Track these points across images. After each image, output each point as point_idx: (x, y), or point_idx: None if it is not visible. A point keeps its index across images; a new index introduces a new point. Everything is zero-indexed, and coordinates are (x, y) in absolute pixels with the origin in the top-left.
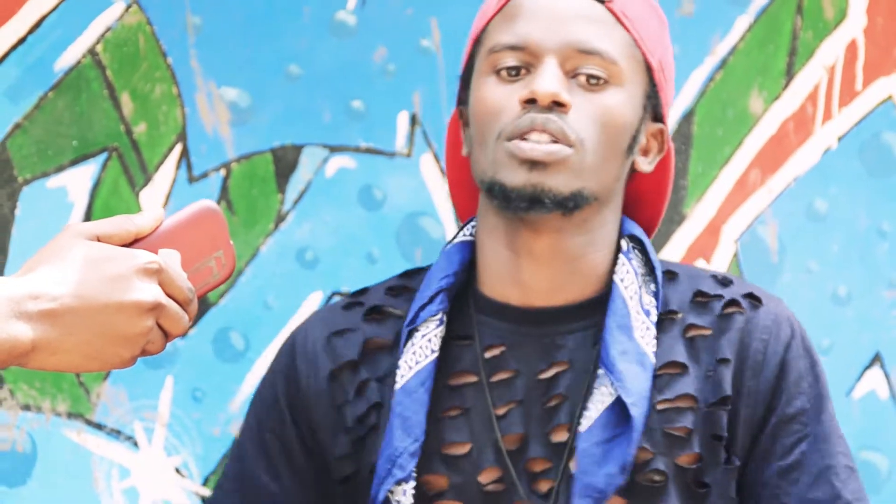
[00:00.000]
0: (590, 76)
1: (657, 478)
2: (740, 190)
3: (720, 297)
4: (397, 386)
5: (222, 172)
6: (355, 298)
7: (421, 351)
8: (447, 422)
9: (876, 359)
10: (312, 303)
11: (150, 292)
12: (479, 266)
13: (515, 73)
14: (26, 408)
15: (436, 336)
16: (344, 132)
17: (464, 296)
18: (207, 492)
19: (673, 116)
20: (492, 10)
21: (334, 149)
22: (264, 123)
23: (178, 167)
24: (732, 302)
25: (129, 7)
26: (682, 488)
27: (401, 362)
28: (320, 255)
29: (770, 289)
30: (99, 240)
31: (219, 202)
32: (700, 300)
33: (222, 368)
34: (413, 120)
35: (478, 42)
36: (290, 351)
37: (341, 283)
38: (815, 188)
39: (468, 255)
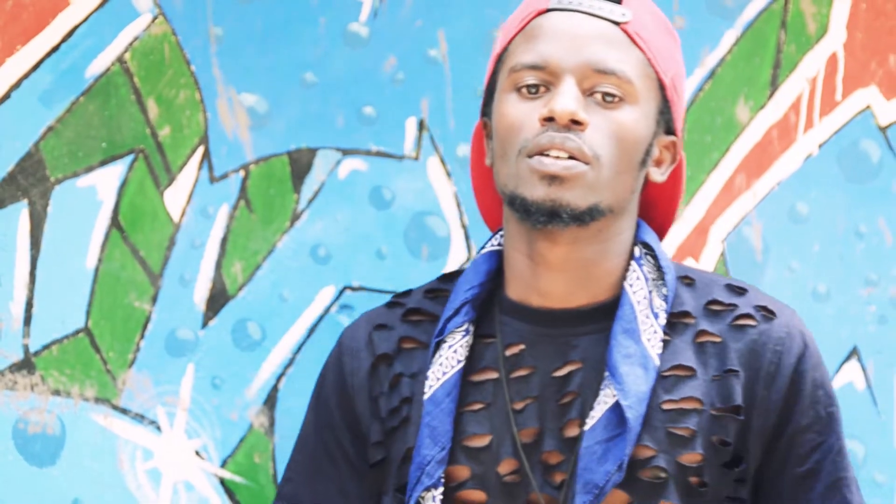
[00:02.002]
0: (606, 94)
1: (660, 474)
2: (727, 193)
3: (734, 306)
4: (425, 396)
5: (241, 173)
6: (398, 299)
7: (447, 361)
8: (470, 416)
9: (853, 352)
10: (325, 296)
11: None
12: (505, 272)
13: (535, 90)
14: (56, 393)
15: (461, 346)
16: (356, 136)
17: (493, 299)
18: (226, 473)
19: (680, 136)
20: (514, 29)
21: (346, 152)
22: (281, 128)
23: (199, 168)
24: (746, 314)
25: (155, 18)
26: (682, 486)
27: (429, 373)
28: (333, 251)
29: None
30: None
31: (238, 201)
32: (713, 308)
33: (240, 357)
34: (421, 125)
35: (500, 59)
36: (338, 349)
37: (352, 278)
38: (797, 192)
39: (496, 262)
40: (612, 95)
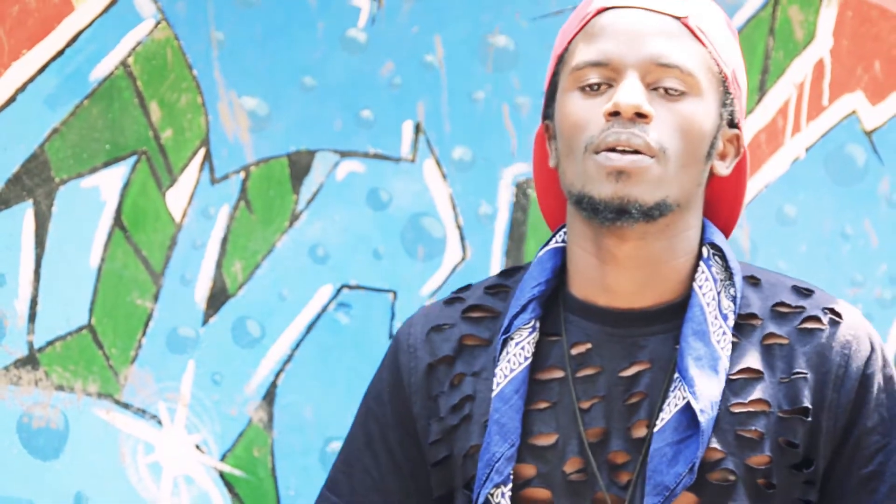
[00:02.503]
0: (669, 88)
1: (729, 477)
2: None
3: (801, 308)
4: (494, 393)
5: (242, 175)
6: (458, 294)
7: (515, 358)
8: (536, 414)
9: None
10: (323, 295)
11: None
12: (569, 269)
13: (598, 88)
14: (60, 388)
15: (528, 343)
16: (353, 139)
17: (556, 296)
18: (225, 467)
19: (742, 129)
20: (573, 29)
21: (344, 154)
22: (281, 130)
23: (201, 170)
24: (813, 317)
25: (158, 24)
26: (750, 488)
27: (497, 370)
28: (331, 251)
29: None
30: None
31: (238, 202)
32: (780, 310)
33: (240, 354)
34: (417, 128)
35: (561, 60)
36: (394, 347)
37: (350, 277)
38: (785, 194)
39: (560, 260)
40: (676, 89)
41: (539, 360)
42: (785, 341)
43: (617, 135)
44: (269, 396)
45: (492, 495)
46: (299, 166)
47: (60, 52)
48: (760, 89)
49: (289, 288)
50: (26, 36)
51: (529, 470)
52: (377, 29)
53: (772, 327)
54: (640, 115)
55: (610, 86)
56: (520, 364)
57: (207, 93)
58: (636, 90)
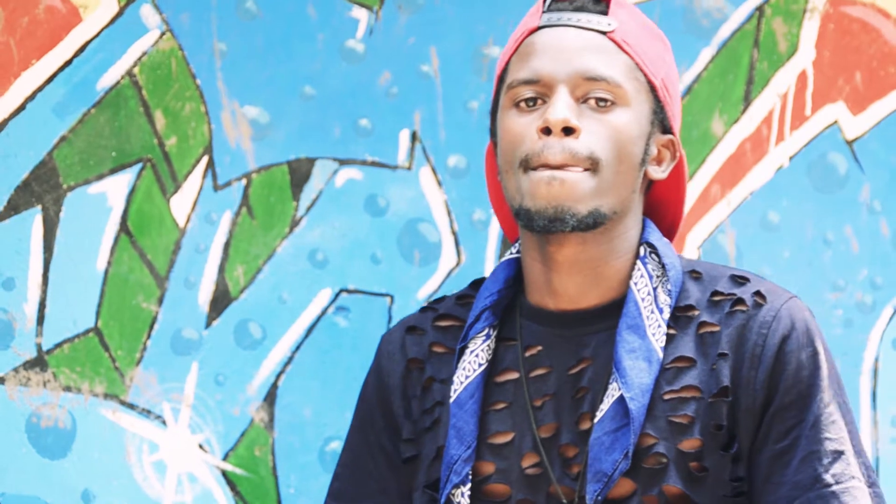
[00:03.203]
0: (598, 99)
1: (662, 461)
2: (703, 202)
3: (733, 295)
4: (451, 399)
5: (243, 182)
6: (432, 304)
7: (470, 365)
8: (493, 415)
9: None
10: (322, 298)
11: None
12: (524, 278)
13: (533, 104)
14: (67, 389)
15: (483, 350)
16: (352, 147)
17: (514, 304)
18: (228, 466)
19: (676, 134)
20: (510, 50)
21: (343, 162)
22: (281, 138)
23: (204, 176)
24: (739, 300)
25: (163, 34)
26: (683, 471)
27: (454, 377)
28: (330, 255)
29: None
30: None
31: (240, 208)
32: (715, 298)
33: (242, 355)
34: (413, 137)
35: (501, 80)
36: (378, 353)
37: (348, 282)
38: (769, 202)
39: (514, 270)
40: (604, 100)
41: (497, 363)
42: (716, 328)
43: (550, 149)
44: (270, 397)
45: (452, 495)
46: (299, 173)
47: (68, 62)
48: (745, 99)
49: (289, 291)
50: (35, 46)
51: (489, 467)
52: (375, 40)
53: (705, 316)
54: (570, 129)
55: (543, 101)
56: (474, 371)
57: (211, 102)
58: (564, 105)
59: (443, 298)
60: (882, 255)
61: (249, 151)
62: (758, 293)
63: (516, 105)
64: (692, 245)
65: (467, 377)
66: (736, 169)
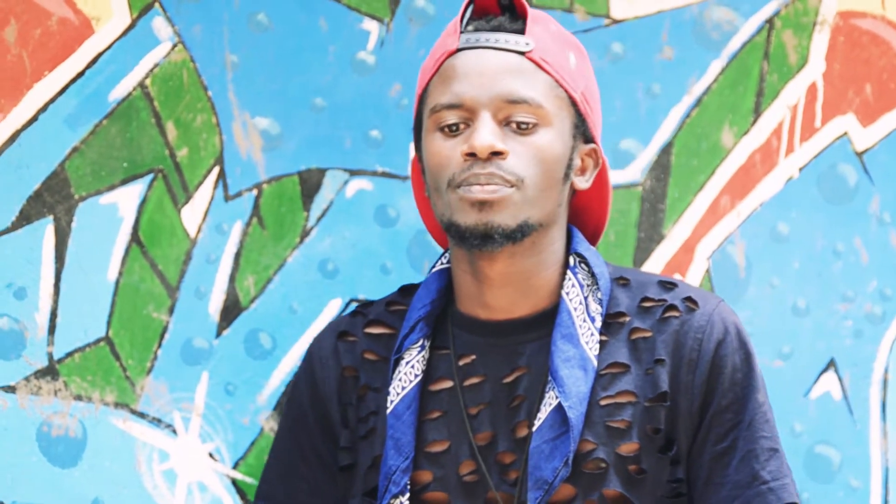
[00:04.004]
0: (520, 123)
1: (601, 465)
2: (712, 213)
3: (663, 301)
4: (388, 411)
5: (254, 192)
6: (361, 309)
7: (406, 376)
8: (429, 424)
9: (830, 364)
10: (333, 308)
11: None
12: (455, 288)
13: (456, 128)
14: (78, 398)
15: (418, 361)
16: (362, 158)
17: (446, 313)
18: (238, 475)
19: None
20: (429, 71)
21: (354, 172)
22: (292, 149)
23: (215, 187)
24: (671, 306)
25: (174, 46)
26: (622, 474)
27: (390, 388)
28: (340, 266)
29: (736, 301)
30: None
31: (251, 219)
32: (645, 305)
33: (252, 365)
34: None
35: (422, 100)
36: (308, 360)
37: (358, 292)
38: (779, 213)
39: (445, 280)
40: (526, 123)
41: (430, 372)
42: (648, 334)
43: (476, 176)
44: (280, 407)
45: None
46: (310, 184)
47: (81, 74)
48: (755, 111)
49: (299, 301)
50: (48, 57)
51: (426, 476)
52: (386, 52)
53: (637, 322)
54: (496, 154)
55: (467, 125)
56: (410, 382)
57: (222, 113)
58: (488, 131)
59: (371, 303)
60: (891, 266)
61: (260, 162)
62: (689, 299)
63: (440, 129)
64: (701, 257)
65: (403, 388)
66: (746, 180)
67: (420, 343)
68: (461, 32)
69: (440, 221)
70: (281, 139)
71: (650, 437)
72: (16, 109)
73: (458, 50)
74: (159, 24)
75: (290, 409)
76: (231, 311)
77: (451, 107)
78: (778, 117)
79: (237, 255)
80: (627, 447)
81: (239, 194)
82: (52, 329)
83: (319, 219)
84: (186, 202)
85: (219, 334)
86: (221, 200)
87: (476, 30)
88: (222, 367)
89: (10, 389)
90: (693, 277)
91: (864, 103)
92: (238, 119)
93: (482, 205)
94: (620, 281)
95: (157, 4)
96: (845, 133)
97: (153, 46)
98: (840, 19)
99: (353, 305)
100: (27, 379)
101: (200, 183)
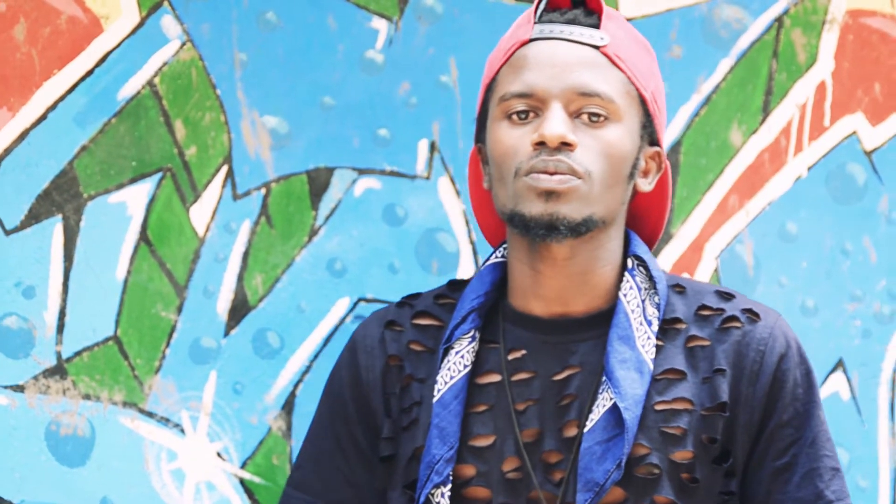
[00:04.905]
0: (591, 115)
1: (654, 471)
2: (721, 213)
3: (721, 311)
4: (434, 399)
5: (263, 191)
6: (408, 300)
7: (455, 366)
8: (475, 417)
9: (839, 364)
10: (340, 307)
11: None
12: (509, 282)
13: (525, 116)
14: (87, 397)
15: (468, 352)
16: (371, 157)
17: (497, 307)
18: (246, 474)
19: (663, 146)
20: (499, 60)
21: (362, 171)
22: (300, 148)
23: (223, 186)
24: (731, 317)
25: (183, 45)
26: (675, 482)
27: (438, 377)
28: (348, 265)
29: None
30: None
31: (259, 218)
32: (703, 313)
33: (260, 364)
34: (432, 147)
35: (489, 89)
36: (351, 347)
37: (366, 291)
38: (787, 212)
39: (499, 273)
40: (598, 115)
41: (478, 365)
42: (706, 342)
43: (545, 162)
44: (289, 406)
45: (432, 495)
46: (318, 183)
47: (89, 72)
48: (764, 110)
49: (307, 301)
50: (57, 56)
51: (469, 470)
52: (394, 51)
53: (694, 330)
54: (566, 144)
55: (536, 114)
56: (459, 371)
57: (230, 112)
58: (560, 120)
59: (419, 295)
60: None
61: (269, 161)
62: (750, 310)
63: (508, 117)
64: (710, 256)
65: (451, 378)
66: (754, 179)
67: (471, 334)
68: (535, 23)
69: (501, 212)
70: (289, 138)
71: (705, 446)
72: (25, 108)
73: (531, 40)
74: (168, 22)
75: (329, 398)
76: (239, 310)
77: (521, 95)
78: (787, 116)
79: (245, 254)
80: (681, 454)
81: (247, 193)
82: (60, 328)
83: (328, 218)
84: (195, 201)
85: (227, 333)
86: (230, 199)
87: (550, 21)
88: (230, 367)
89: (19, 388)
90: (701, 277)
91: (874, 102)
92: (246, 118)
93: (549, 195)
94: (676, 288)
95: (165, 3)
96: (854, 132)
97: (162, 45)
98: (849, 18)
99: (361, 305)
100: (36, 378)
101: (209, 182)
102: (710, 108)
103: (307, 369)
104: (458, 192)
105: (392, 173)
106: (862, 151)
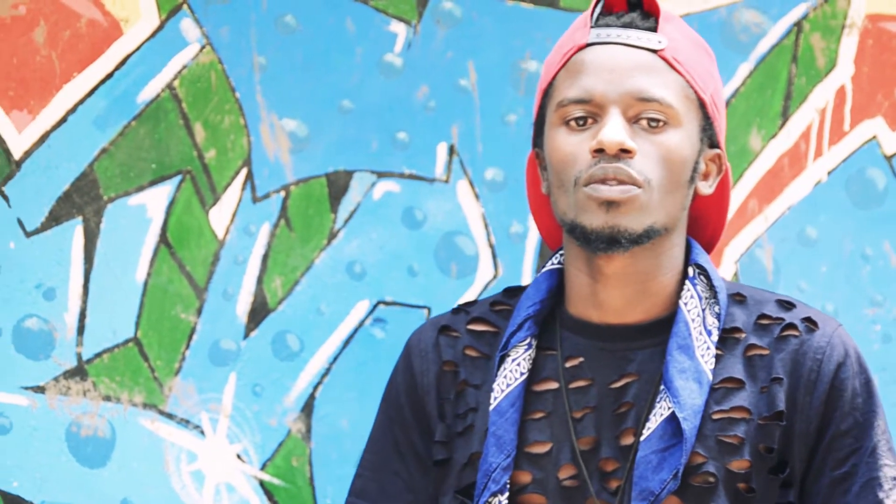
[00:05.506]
0: (650, 120)
1: (710, 480)
2: (740, 217)
3: (781, 320)
4: (491, 407)
5: (282, 194)
6: (464, 307)
7: (511, 374)
8: (531, 424)
9: None
10: (360, 310)
11: None
12: (566, 289)
13: (583, 122)
14: (107, 399)
15: (524, 359)
16: (389, 160)
17: (554, 314)
18: (265, 476)
19: (723, 147)
20: (556, 65)
21: (381, 174)
22: (320, 151)
23: (243, 189)
24: (790, 325)
25: (202, 48)
26: (731, 491)
27: (494, 385)
28: (367, 268)
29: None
30: None
31: (278, 220)
32: (762, 322)
33: (279, 366)
34: (451, 150)
35: (546, 94)
36: (407, 352)
37: (385, 294)
38: (807, 216)
39: (556, 280)
40: (657, 121)
41: (535, 372)
42: (765, 352)
43: (604, 170)
44: (308, 408)
45: (489, 503)
46: (337, 186)
47: (109, 75)
48: (784, 115)
49: (327, 303)
50: (77, 59)
51: (525, 477)
52: (413, 54)
53: (753, 339)
54: (625, 151)
55: (595, 120)
56: (516, 379)
57: (250, 115)
58: (619, 127)
59: (474, 302)
60: None
61: (288, 164)
62: (808, 319)
63: (566, 123)
64: (729, 260)
65: (508, 385)
66: (774, 184)
67: (528, 341)
68: (591, 27)
69: (561, 220)
70: (308, 141)
71: (762, 455)
72: (45, 111)
73: (588, 45)
74: (187, 25)
75: (386, 404)
76: (259, 312)
77: (579, 101)
78: (806, 121)
79: (265, 257)
80: (738, 464)
81: (267, 196)
82: (80, 330)
83: (347, 221)
84: (214, 203)
85: (246, 335)
86: (249, 202)
87: (607, 25)
88: (250, 369)
89: (40, 390)
90: None
91: (893, 107)
92: (266, 121)
93: (609, 205)
94: (736, 297)
95: (185, 6)
96: (874, 137)
97: (181, 48)
98: (869, 22)
99: (381, 308)
100: (56, 379)
101: (228, 184)
102: (730, 112)
103: (326, 371)
104: (476, 195)
105: (411, 176)
106: (882, 156)
